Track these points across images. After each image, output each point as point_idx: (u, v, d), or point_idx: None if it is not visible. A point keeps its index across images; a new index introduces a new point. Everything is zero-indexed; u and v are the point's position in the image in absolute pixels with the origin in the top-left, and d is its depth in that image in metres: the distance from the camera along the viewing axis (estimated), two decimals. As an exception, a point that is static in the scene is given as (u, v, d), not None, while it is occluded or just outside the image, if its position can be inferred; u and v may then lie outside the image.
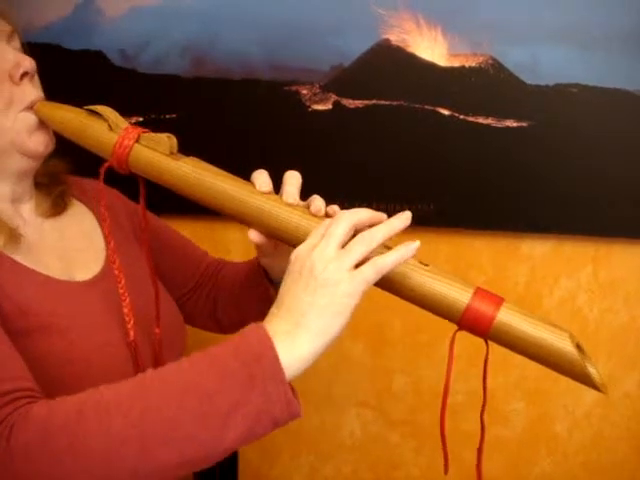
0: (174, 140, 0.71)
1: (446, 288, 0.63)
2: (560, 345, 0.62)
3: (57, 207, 0.81)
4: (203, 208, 0.71)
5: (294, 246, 0.64)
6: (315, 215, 0.67)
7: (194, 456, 0.56)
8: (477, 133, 1.20)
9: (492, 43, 1.16)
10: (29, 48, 0.78)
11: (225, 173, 0.71)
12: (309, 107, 1.21)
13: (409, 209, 1.20)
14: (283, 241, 0.69)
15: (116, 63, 1.20)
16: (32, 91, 0.74)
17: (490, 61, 1.17)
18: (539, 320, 0.63)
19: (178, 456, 0.56)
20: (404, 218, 0.64)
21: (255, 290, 0.86)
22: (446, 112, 1.20)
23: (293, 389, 0.59)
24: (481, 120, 1.19)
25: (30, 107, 0.73)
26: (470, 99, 1.19)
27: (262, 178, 0.70)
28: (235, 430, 0.56)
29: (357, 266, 0.60)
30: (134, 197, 0.79)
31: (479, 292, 0.64)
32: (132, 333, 0.73)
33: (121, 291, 0.74)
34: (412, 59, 1.18)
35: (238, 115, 1.22)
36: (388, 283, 0.63)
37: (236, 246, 1.31)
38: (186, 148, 0.73)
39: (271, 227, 0.68)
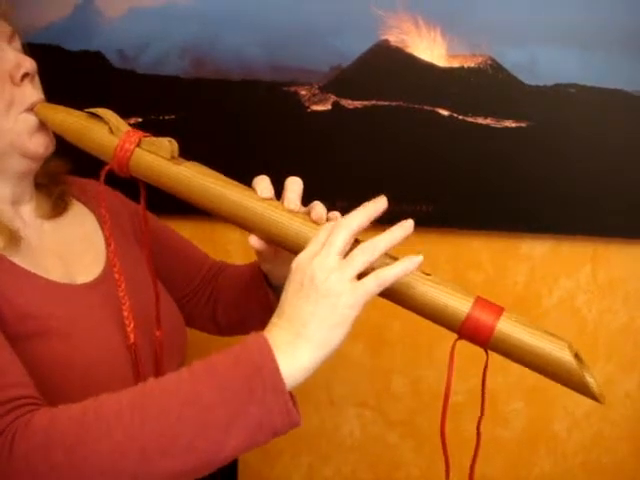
0: (175, 145, 0.70)
1: (447, 298, 0.63)
2: (559, 355, 0.62)
3: (57, 208, 0.81)
4: (201, 209, 0.71)
5: (295, 253, 0.64)
6: (316, 222, 0.67)
7: (194, 466, 0.57)
8: (476, 133, 1.20)
9: (491, 44, 1.16)
10: (28, 49, 0.78)
11: (226, 178, 0.70)
12: (308, 108, 1.21)
13: (408, 209, 1.22)
14: (284, 248, 0.69)
15: (115, 64, 1.20)
16: (33, 92, 0.73)
17: (489, 62, 1.17)
18: (539, 330, 0.63)
19: (178, 466, 0.56)
20: (406, 227, 0.63)
21: (255, 294, 0.86)
22: (445, 112, 1.20)
23: (293, 397, 0.59)
24: (480, 120, 1.20)
25: (31, 108, 0.73)
26: (469, 99, 1.19)
27: (263, 184, 0.70)
28: (235, 440, 0.56)
29: (359, 276, 0.60)
30: (135, 198, 0.79)
31: (479, 302, 0.64)
32: (132, 336, 0.73)
33: (121, 294, 0.73)
34: (411, 60, 1.18)
35: (237, 116, 1.22)
36: (389, 292, 0.63)
37: (236, 247, 1.31)
38: (186, 149, 0.72)
39: (272, 233, 0.68)
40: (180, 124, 1.22)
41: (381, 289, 0.60)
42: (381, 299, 0.66)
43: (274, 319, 0.61)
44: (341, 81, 1.20)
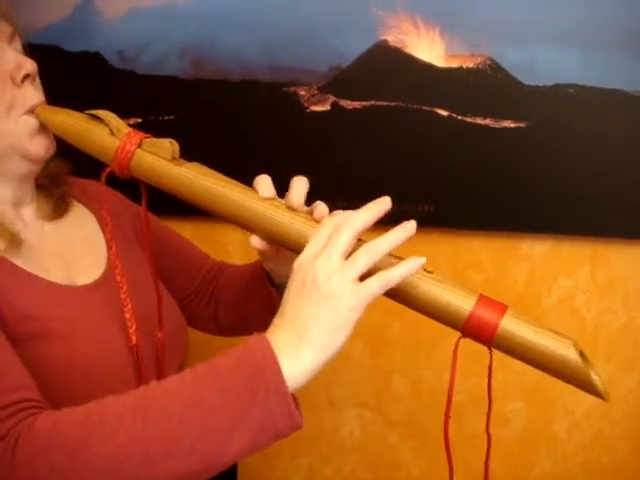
0: (176, 145, 0.70)
1: (449, 296, 0.63)
2: (564, 353, 0.62)
3: (58, 209, 0.81)
4: (201, 210, 0.71)
5: (297, 252, 0.64)
6: (318, 221, 0.66)
7: (197, 469, 0.56)
8: (475, 134, 1.20)
9: (490, 44, 1.16)
10: (28, 49, 0.78)
11: (227, 179, 0.70)
12: (307, 108, 1.21)
13: (408, 209, 1.22)
14: (285, 247, 0.69)
15: (115, 64, 1.20)
16: (33, 94, 0.73)
17: (488, 62, 1.17)
18: (543, 327, 0.63)
19: (181, 468, 0.56)
20: (409, 228, 0.62)
21: (257, 293, 0.86)
22: (444, 113, 1.20)
23: (296, 400, 0.59)
24: (479, 121, 1.20)
25: (31, 110, 0.73)
26: (468, 100, 1.19)
27: (265, 184, 0.69)
28: (238, 443, 0.56)
29: (361, 277, 0.60)
30: (135, 199, 0.79)
31: (483, 299, 0.63)
32: (134, 338, 0.73)
33: (123, 296, 0.73)
34: (410, 60, 1.18)
35: (237, 116, 1.22)
36: (391, 290, 0.62)
37: (235, 248, 1.31)
38: (185, 149, 0.72)
39: (273, 233, 0.68)
40: (180, 125, 1.22)
41: (384, 291, 0.60)
42: (381, 298, 0.65)
43: (276, 320, 0.61)
44: (340, 81, 1.20)
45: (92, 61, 1.20)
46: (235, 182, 0.70)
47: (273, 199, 0.69)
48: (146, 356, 0.75)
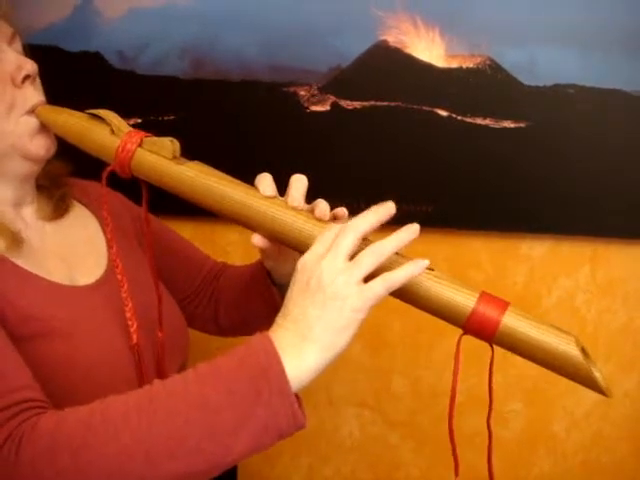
0: (177, 144, 0.70)
1: (451, 292, 0.63)
2: (566, 349, 0.62)
3: (59, 210, 0.81)
4: (202, 210, 0.71)
5: (299, 250, 0.64)
6: (320, 219, 0.67)
7: (200, 469, 0.57)
8: (475, 134, 1.20)
9: (490, 44, 1.16)
10: (29, 50, 0.78)
11: (228, 177, 0.70)
12: (307, 108, 1.21)
13: (408, 210, 1.22)
14: (287, 245, 0.69)
15: (115, 65, 1.20)
16: (34, 94, 0.73)
17: (488, 62, 1.17)
18: (545, 324, 0.63)
19: (184, 469, 0.56)
20: (412, 230, 0.63)
21: (258, 292, 0.86)
22: (444, 113, 1.20)
23: (299, 399, 0.59)
24: (479, 121, 1.20)
25: (32, 111, 0.73)
26: (468, 100, 1.19)
27: (266, 182, 0.70)
28: (242, 443, 0.56)
29: (366, 279, 0.60)
30: (135, 200, 0.79)
31: (484, 296, 0.63)
32: (135, 337, 0.73)
33: (124, 295, 0.73)
34: (410, 60, 1.18)
35: (237, 116, 1.22)
36: None
37: (235, 248, 1.31)
38: (185, 149, 0.72)
39: (275, 231, 0.68)
40: (180, 125, 1.22)
41: (388, 292, 0.60)
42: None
43: (279, 320, 0.61)
44: (340, 81, 1.20)
45: (92, 61, 1.20)
46: (236, 181, 0.70)
47: (274, 197, 0.69)
48: (147, 355, 0.75)
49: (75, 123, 0.73)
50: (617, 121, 1.18)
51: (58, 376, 0.66)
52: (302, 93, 1.21)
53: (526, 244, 1.29)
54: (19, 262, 0.71)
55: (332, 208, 0.70)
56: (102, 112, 0.72)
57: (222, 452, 0.56)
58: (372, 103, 1.21)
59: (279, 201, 0.69)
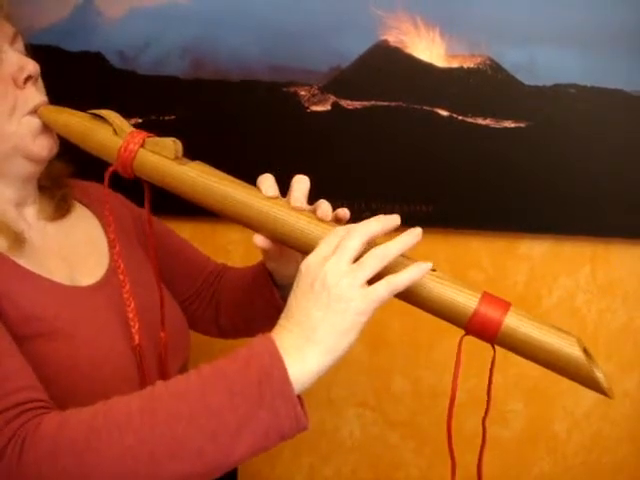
0: (179, 144, 0.70)
1: (453, 293, 0.63)
2: (568, 350, 0.62)
3: (60, 210, 0.81)
4: (203, 209, 0.71)
5: (301, 251, 0.64)
6: (322, 220, 0.67)
7: (202, 470, 0.57)
8: (475, 134, 1.20)
9: (490, 44, 1.16)
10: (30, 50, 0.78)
11: (231, 178, 0.70)
12: (308, 108, 1.21)
13: (408, 210, 1.22)
14: (290, 246, 0.69)
15: (115, 65, 1.20)
16: (36, 95, 0.73)
17: (488, 62, 1.18)
18: (546, 325, 0.63)
19: (187, 470, 0.56)
20: (416, 234, 0.63)
21: (260, 293, 0.86)
22: (444, 113, 1.20)
23: (301, 401, 0.59)
24: (479, 121, 1.20)
25: (34, 111, 0.73)
26: (468, 100, 1.19)
27: (268, 182, 0.70)
28: (244, 445, 0.56)
29: (369, 281, 0.60)
30: (137, 201, 0.79)
31: (486, 297, 0.64)
32: (137, 337, 0.73)
33: (126, 296, 0.73)
34: (410, 60, 1.18)
35: (237, 116, 1.22)
36: None
37: (236, 248, 1.31)
38: (185, 149, 0.72)
39: (277, 232, 0.68)
40: (180, 125, 1.22)
41: (392, 295, 0.61)
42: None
43: (282, 321, 0.61)
44: (340, 81, 1.20)
45: (93, 61, 1.20)
46: (238, 181, 0.70)
47: (277, 198, 0.69)
48: (149, 356, 0.75)
49: (77, 123, 0.73)
50: (617, 121, 1.18)
51: (60, 376, 0.66)
52: (302, 93, 1.21)
53: (526, 244, 1.29)
54: (21, 262, 0.71)
55: (333, 208, 0.70)
56: (104, 112, 0.72)
57: (224, 454, 0.56)
58: (372, 103, 1.21)
59: (281, 202, 0.69)
